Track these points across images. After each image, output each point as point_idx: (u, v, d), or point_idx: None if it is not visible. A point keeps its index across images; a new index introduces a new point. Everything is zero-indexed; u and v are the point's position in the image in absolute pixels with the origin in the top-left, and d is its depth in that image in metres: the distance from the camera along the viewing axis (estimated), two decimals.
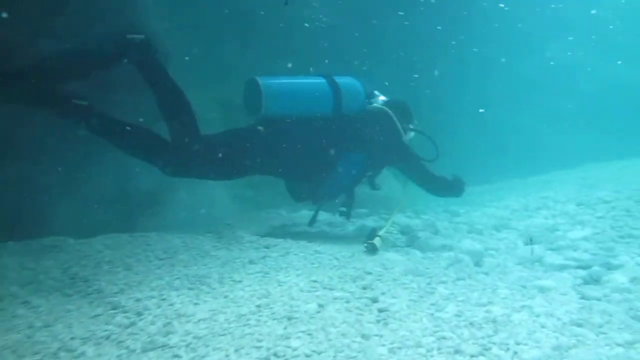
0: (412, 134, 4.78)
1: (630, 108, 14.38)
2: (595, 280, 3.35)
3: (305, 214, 5.58)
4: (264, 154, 3.89)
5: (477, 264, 4.01)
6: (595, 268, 3.58)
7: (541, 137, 13.60)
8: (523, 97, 13.56)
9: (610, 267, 3.62)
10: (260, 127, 3.90)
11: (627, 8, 16.44)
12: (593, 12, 16.01)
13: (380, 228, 4.29)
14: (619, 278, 3.27)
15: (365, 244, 3.95)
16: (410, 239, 4.73)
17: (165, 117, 3.60)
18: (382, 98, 4.70)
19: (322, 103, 4.08)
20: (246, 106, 3.98)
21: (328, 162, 4.16)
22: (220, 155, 3.66)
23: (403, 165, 4.75)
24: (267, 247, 3.87)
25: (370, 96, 4.61)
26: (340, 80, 4.19)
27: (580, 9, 15.77)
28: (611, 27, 15.69)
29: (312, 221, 4.62)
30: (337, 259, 3.67)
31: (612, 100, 14.55)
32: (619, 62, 15.40)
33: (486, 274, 3.63)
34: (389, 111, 4.52)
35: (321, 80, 4.13)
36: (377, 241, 3.94)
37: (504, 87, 12.71)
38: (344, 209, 4.60)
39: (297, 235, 4.47)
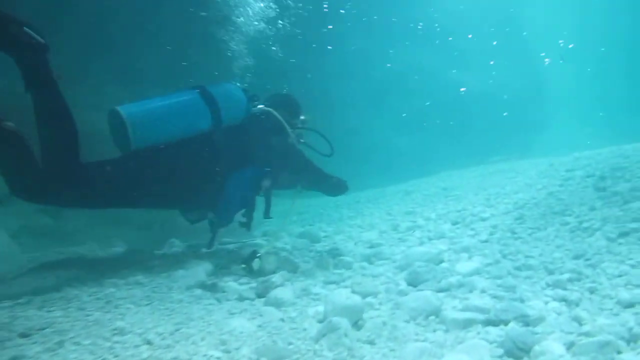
0: (301, 132, 4.54)
1: (474, 113, 14.76)
2: (522, 351, 2.38)
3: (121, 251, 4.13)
4: (141, 187, 3.48)
5: (357, 325, 2.89)
6: (512, 326, 2.64)
7: (393, 143, 13.27)
8: (369, 100, 13.19)
9: (528, 322, 2.69)
10: (133, 158, 3.47)
11: (467, 15, 16.98)
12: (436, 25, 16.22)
13: (261, 246, 4.17)
14: (554, 347, 2.33)
15: (243, 266, 3.75)
16: (263, 287, 3.48)
17: (41, 134, 3.10)
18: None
19: (199, 119, 3.69)
20: (114, 140, 3.52)
21: (217, 182, 3.83)
22: (94, 188, 3.28)
23: (295, 168, 4.44)
24: (25, 335, 2.34)
25: (253, 99, 4.25)
26: (215, 89, 3.83)
27: (423, 16, 15.90)
28: (450, 38, 15.93)
29: (211, 244, 4.12)
30: (148, 342, 2.32)
31: (457, 105, 14.86)
32: (454, 71, 15.83)
33: (372, 343, 2.53)
34: (272, 110, 4.20)
35: (193, 95, 3.73)
36: (255, 263, 3.73)
37: (345, 91, 12.26)
38: (244, 219, 4.27)
39: (101, 291, 3.05)
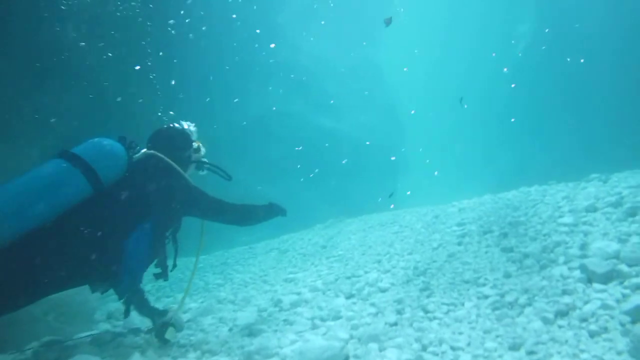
0: (193, 166, 4.10)
1: (341, 158, 14.42)
2: None
3: None
4: (33, 279, 3.00)
5: None
6: None
7: (260, 192, 12.29)
8: (230, 146, 12.24)
9: None
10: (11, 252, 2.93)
11: (334, 62, 16.89)
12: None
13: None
14: None
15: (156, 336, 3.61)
16: None
17: None
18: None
19: (73, 187, 3.14)
20: None
21: (116, 247, 3.31)
22: None
23: (195, 209, 3.96)
24: None
25: (132, 146, 3.69)
26: (81, 149, 3.28)
27: (291, 60, 15.46)
28: (304, 78, 15.59)
29: (127, 313, 3.71)
30: None
31: (324, 151, 14.43)
32: (320, 116, 15.55)
33: None
34: (155, 153, 3.71)
35: (56, 164, 3.15)
36: (169, 333, 3.61)
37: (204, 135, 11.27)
38: (158, 270, 3.78)
39: None
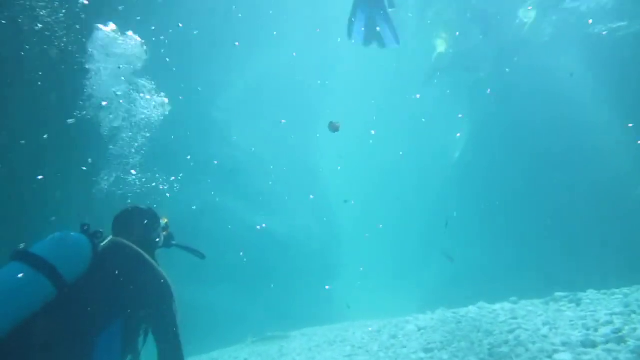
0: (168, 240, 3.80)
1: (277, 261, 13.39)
2: None
3: None
4: None
5: None
6: None
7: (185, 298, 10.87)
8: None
9: None
10: None
11: (268, 160, 16.34)
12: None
13: None
14: None
15: None
16: None
17: None
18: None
19: (37, 291, 2.82)
20: None
21: (82, 353, 2.95)
22: None
23: (157, 312, 3.32)
24: None
25: (97, 236, 3.22)
26: (39, 248, 2.94)
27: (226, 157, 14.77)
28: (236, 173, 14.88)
29: None
30: None
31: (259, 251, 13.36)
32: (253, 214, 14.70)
33: None
34: (120, 240, 3.30)
35: (14, 267, 2.84)
36: None
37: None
38: None
39: None
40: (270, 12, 17.06)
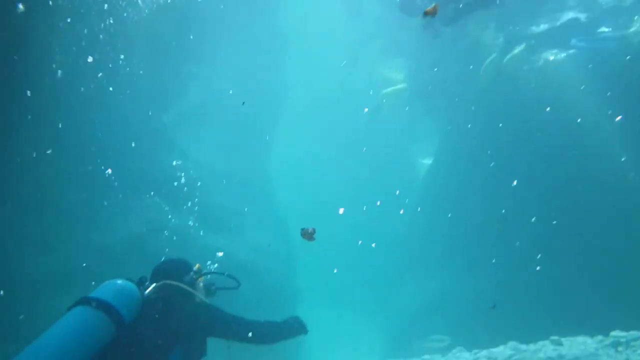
0: (201, 284, 4.06)
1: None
2: None
3: None
4: None
5: None
6: None
7: None
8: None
9: None
10: None
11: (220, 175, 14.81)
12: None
13: None
14: None
15: None
16: None
17: None
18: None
19: (100, 330, 3.19)
20: None
21: None
22: None
23: (217, 328, 3.90)
24: None
25: (143, 282, 3.77)
26: (98, 293, 3.38)
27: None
28: (187, 188, 13.36)
29: None
30: None
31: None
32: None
33: None
34: (165, 282, 3.79)
35: (79, 311, 3.21)
36: None
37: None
38: None
39: None
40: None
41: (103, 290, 3.43)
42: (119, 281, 3.55)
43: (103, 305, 3.27)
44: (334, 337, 19.84)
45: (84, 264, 8.97)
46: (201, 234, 12.96)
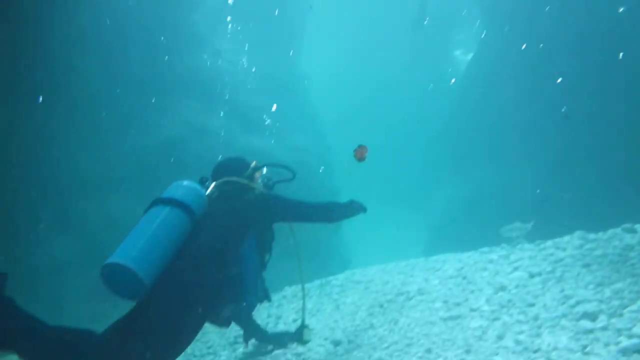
0: (259, 179, 4.39)
1: None
2: None
3: None
4: (178, 321, 3.26)
5: None
6: None
7: None
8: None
9: None
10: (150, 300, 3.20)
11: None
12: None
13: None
14: None
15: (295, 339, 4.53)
16: None
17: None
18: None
19: (180, 226, 3.49)
20: (123, 295, 3.22)
21: (228, 273, 3.68)
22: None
23: (282, 214, 4.23)
24: None
25: (204, 181, 4.13)
26: (170, 193, 3.64)
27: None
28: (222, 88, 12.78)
29: (248, 337, 4.70)
30: None
31: None
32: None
33: None
34: (225, 179, 4.10)
35: (158, 210, 3.50)
36: (307, 333, 4.47)
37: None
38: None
39: None
40: None
41: (173, 191, 3.67)
42: (185, 182, 3.75)
43: (178, 204, 3.51)
44: (375, 236, 19.90)
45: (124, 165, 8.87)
46: (239, 135, 12.64)
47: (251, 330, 4.88)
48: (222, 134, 11.62)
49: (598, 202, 8.12)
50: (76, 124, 8.07)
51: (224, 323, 4.10)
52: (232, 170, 4.21)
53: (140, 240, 3.24)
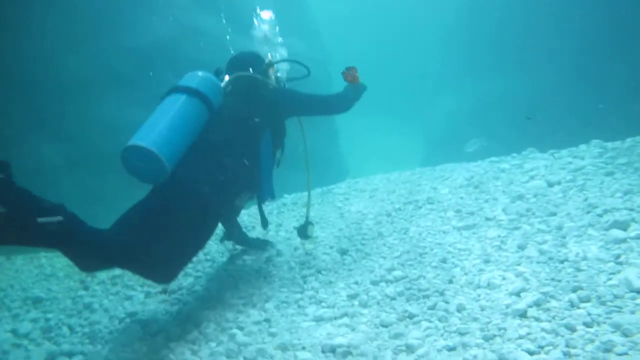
0: (277, 73, 4.35)
1: None
2: None
3: None
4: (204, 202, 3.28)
5: None
6: None
7: None
8: None
9: None
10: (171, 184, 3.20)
11: None
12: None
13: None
14: None
15: (300, 235, 4.53)
16: None
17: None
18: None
19: (199, 114, 3.46)
20: (141, 177, 3.21)
21: (248, 163, 3.70)
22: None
23: (295, 107, 4.21)
24: None
25: (219, 74, 4.01)
26: (187, 81, 3.54)
27: None
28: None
29: (265, 224, 4.42)
30: None
31: None
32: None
33: None
34: (239, 73, 4.02)
35: (176, 97, 3.42)
36: (310, 230, 4.50)
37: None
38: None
39: None
40: None
41: (190, 80, 3.54)
42: (200, 72, 3.62)
43: (195, 92, 3.44)
44: (372, 147, 19.54)
45: (114, 67, 8.32)
46: (232, 38, 11.92)
47: (234, 231, 4.79)
48: (218, 36, 10.94)
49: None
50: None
51: (235, 211, 4.24)
52: (247, 64, 4.12)
53: (159, 125, 3.17)
